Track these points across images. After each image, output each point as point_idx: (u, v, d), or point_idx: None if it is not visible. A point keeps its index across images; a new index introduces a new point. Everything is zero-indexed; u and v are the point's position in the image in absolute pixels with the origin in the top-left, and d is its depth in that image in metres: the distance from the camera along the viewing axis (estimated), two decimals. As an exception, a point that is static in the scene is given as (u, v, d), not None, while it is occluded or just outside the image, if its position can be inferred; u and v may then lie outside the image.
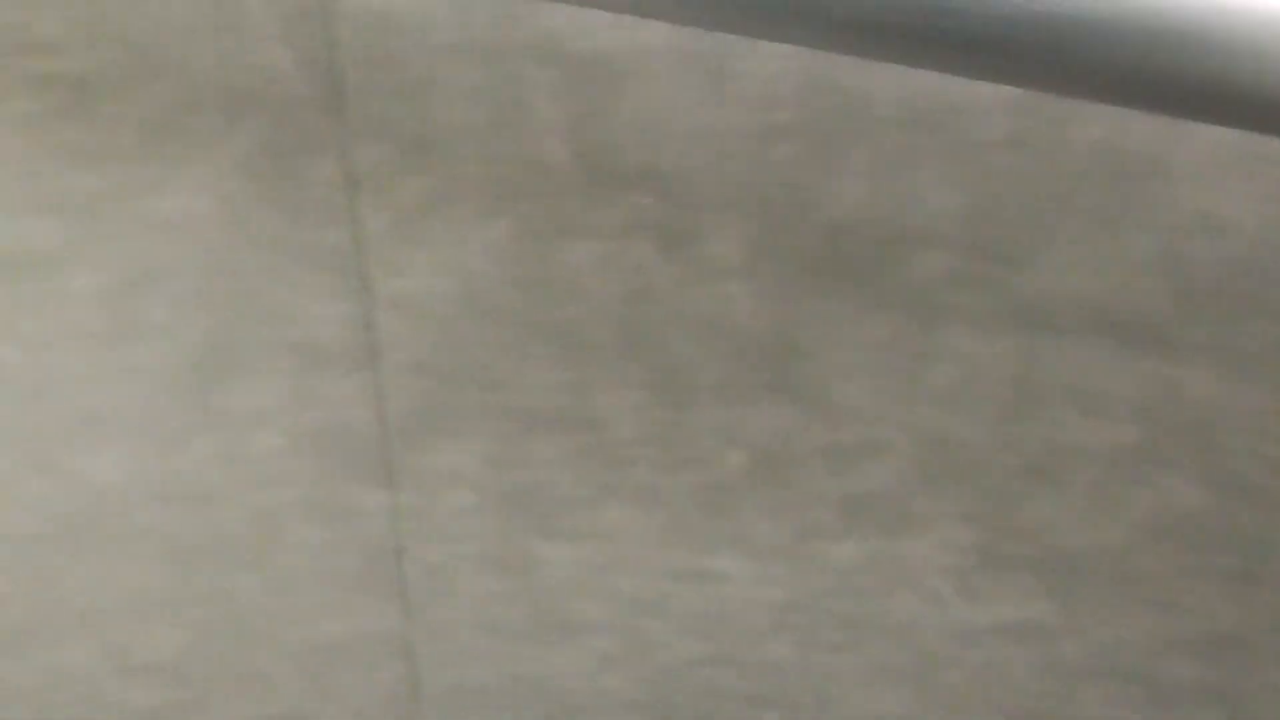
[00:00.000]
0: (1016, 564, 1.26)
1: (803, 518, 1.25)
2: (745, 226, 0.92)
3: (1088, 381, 1.04)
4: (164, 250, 1.08)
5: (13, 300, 1.17)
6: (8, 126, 0.98)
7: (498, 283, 1.03)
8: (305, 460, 1.32)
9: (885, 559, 1.29)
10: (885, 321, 0.99)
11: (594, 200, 0.93)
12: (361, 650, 1.70)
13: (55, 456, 1.40)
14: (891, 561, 1.29)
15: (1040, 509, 1.18)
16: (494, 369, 1.13)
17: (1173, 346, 0.98)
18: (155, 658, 1.84)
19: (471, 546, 1.41)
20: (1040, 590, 1.29)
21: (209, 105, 0.93)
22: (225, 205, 1.02)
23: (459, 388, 1.16)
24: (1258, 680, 1.35)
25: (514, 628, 1.55)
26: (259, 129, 0.94)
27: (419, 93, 0.88)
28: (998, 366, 1.02)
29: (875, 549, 1.28)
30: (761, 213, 0.91)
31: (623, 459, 1.21)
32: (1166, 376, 1.01)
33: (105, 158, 0.99)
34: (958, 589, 1.31)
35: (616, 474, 1.23)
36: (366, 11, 0.83)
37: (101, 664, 1.88)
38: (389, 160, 0.94)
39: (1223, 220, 0.87)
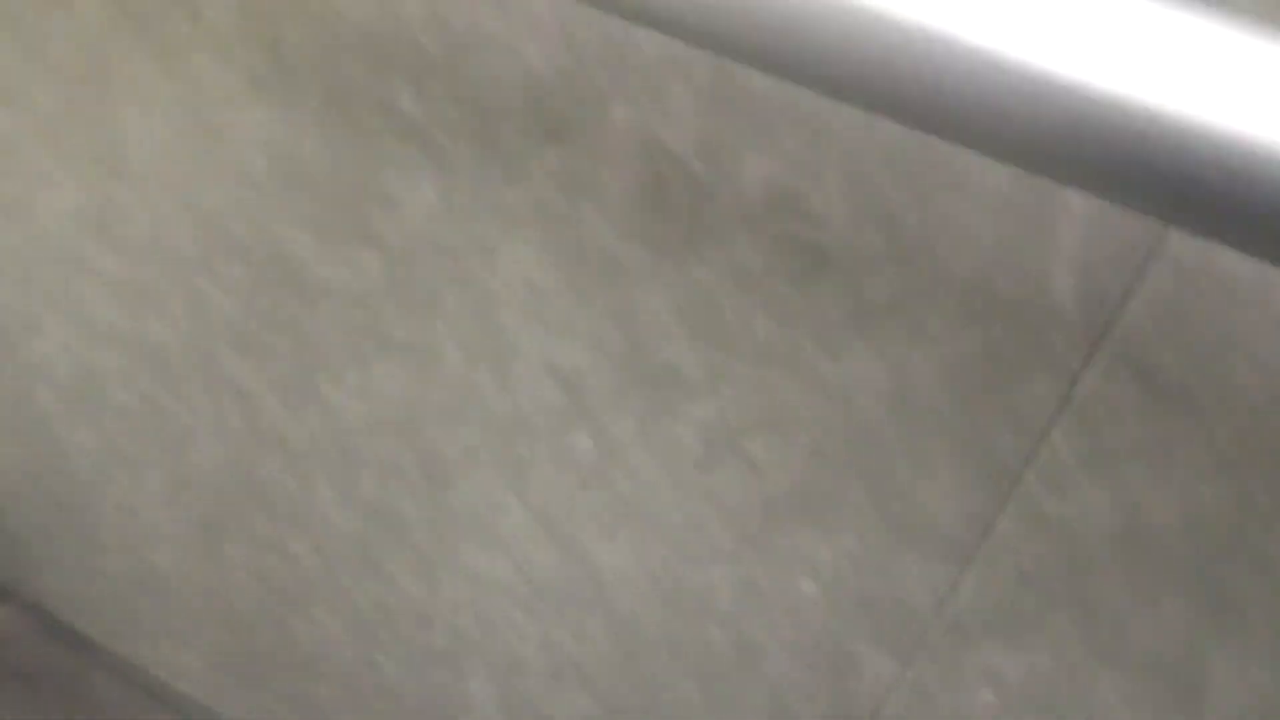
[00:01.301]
0: None
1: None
2: None
3: None
4: (808, 407, 1.06)
5: (623, 404, 1.19)
6: (723, 270, 0.99)
7: (1168, 531, 0.96)
8: (830, 614, 1.29)
9: None
10: None
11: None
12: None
13: (571, 533, 1.43)
14: None
15: None
16: (1106, 602, 1.05)
17: None
18: (544, 711, 1.86)
19: (959, 737, 1.34)
20: None
21: (945, 301, 0.90)
22: (903, 386, 0.99)
23: (1049, 607, 1.10)
24: None
25: (956, 818, 1.47)
26: (994, 335, 0.90)
27: (1200, 350, 0.82)
28: None
29: None
30: None
31: (1196, 713, 1.11)
32: None
33: (800, 321, 0.99)
34: None
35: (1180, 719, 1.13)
36: (1195, 269, 0.78)
37: (481, 689, 1.93)
38: (1120, 399, 0.88)
39: None
